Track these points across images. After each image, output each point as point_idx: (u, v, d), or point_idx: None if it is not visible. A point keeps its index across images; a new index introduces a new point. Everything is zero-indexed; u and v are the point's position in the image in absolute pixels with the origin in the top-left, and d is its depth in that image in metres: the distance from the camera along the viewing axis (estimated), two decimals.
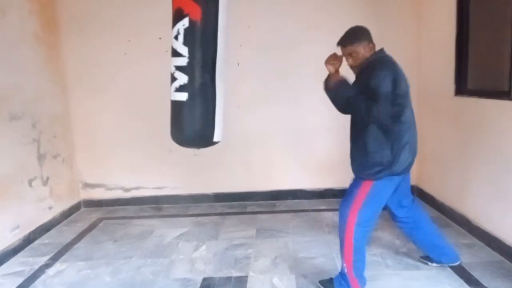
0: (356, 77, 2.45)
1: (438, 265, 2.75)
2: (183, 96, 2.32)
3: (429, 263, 2.78)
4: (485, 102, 3.02)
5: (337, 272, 2.57)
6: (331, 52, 2.46)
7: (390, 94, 2.22)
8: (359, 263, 2.44)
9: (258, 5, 4.10)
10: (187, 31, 2.23)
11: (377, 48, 2.44)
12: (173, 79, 2.36)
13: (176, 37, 2.30)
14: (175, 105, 2.39)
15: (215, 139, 2.41)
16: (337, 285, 2.49)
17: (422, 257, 2.85)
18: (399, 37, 4.13)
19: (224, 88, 2.44)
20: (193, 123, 2.36)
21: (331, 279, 2.56)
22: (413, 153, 2.44)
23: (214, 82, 2.31)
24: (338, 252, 2.98)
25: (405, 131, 2.34)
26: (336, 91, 2.41)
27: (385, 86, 2.22)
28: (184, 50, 2.26)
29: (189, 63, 2.27)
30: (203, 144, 2.49)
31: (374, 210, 2.44)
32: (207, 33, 2.24)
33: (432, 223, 2.74)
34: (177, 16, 2.28)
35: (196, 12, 2.20)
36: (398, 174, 2.38)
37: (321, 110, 4.12)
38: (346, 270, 2.43)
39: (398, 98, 2.26)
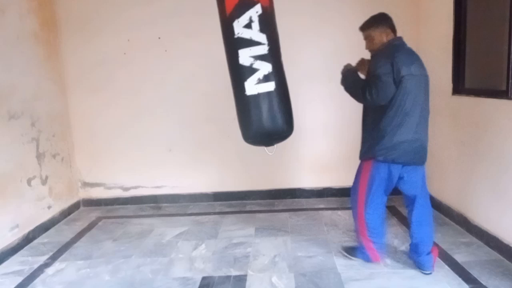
0: (370, 62, 2.60)
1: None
2: (270, 86, 2.19)
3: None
4: (483, 101, 3.03)
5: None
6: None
7: (386, 77, 2.34)
8: (374, 236, 2.69)
9: None
10: (261, 18, 2.12)
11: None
12: (252, 71, 2.20)
13: (248, 26, 2.15)
14: (258, 99, 2.22)
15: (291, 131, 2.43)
16: (359, 253, 2.80)
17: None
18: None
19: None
20: (284, 112, 2.26)
21: (354, 248, 2.87)
22: (416, 146, 2.49)
23: (283, 70, 2.26)
24: (337, 250, 3.02)
25: (402, 116, 2.41)
26: (345, 81, 2.62)
27: (380, 69, 2.36)
28: (262, 38, 2.15)
29: (270, 50, 2.16)
30: (289, 134, 2.45)
31: (376, 189, 2.60)
32: (275, 20, 2.21)
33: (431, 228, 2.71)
34: (245, 4, 2.15)
35: None
36: (394, 161, 2.48)
37: (320, 109, 4.13)
38: (363, 243, 2.72)
39: (397, 83, 2.36)
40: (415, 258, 2.73)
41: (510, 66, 2.69)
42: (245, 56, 2.18)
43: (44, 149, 3.82)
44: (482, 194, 3.09)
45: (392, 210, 3.78)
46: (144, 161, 4.33)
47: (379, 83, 2.37)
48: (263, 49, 2.14)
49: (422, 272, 2.67)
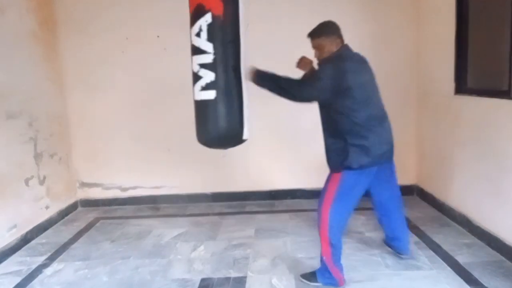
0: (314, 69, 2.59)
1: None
2: (210, 95, 2.25)
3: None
4: (485, 101, 3.01)
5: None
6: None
7: (326, 80, 2.33)
8: (336, 254, 2.54)
9: (257, 3, 4.08)
10: (210, 27, 2.18)
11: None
12: (197, 78, 2.28)
13: (198, 34, 2.22)
14: (202, 105, 2.31)
15: (244, 137, 2.38)
16: (320, 277, 2.58)
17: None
18: (399, 37, 4.12)
19: (248, 85, 2.42)
20: (222, 122, 2.29)
21: (313, 272, 2.63)
22: (383, 144, 2.47)
23: (240, 79, 2.28)
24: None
25: (363, 123, 2.37)
26: (261, 82, 2.49)
27: (321, 72, 2.39)
28: (208, 47, 2.20)
29: (214, 59, 2.21)
30: (233, 143, 2.43)
31: (347, 203, 2.50)
32: (230, 29, 2.21)
33: (401, 215, 2.83)
34: (198, 12, 2.20)
35: (218, 7, 2.17)
36: (367, 165, 2.41)
37: None
38: (326, 262, 2.52)
39: (347, 91, 2.32)
40: (395, 244, 2.87)
41: None
42: (194, 63, 2.28)
43: (42, 149, 3.79)
44: (484, 195, 3.07)
45: None
46: (142, 161, 4.31)
47: (319, 82, 2.37)
48: (209, 58, 2.20)
49: (401, 257, 2.85)
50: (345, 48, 2.50)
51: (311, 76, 2.51)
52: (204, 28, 2.19)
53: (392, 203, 2.77)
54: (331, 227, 2.46)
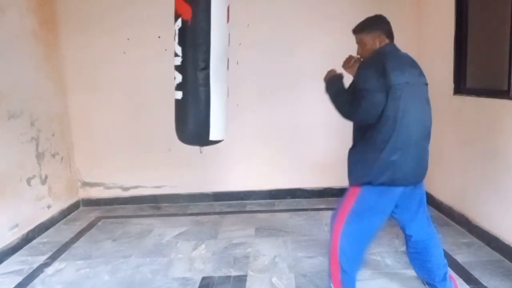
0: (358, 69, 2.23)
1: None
2: (179, 95, 2.37)
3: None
4: (484, 101, 3.02)
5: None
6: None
7: (375, 92, 1.99)
8: (348, 284, 2.16)
9: (257, 3, 4.10)
10: (180, 31, 2.29)
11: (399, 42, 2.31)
12: (174, 78, 2.41)
13: (174, 38, 2.34)
14: (175, 103, 2.43)
15: (212, 138, 2.41)
16: None
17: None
18: (398, 37, 4.04)
19: (223, 87, 2.43)
20: (187, 121, 2.40)
21: None
22: (414, 161, 2.07)
23: (209, 81, 2.32)
24: None
25: (398, 130, 2.01)
26: (329, 90, 2.26)
27: (368, 82, 2.02)
28: (178, 50, 2.31)
29: (182, 62, 2.31)
30: (201, 143, 2.49)
31: (363, 224, 2.11)
32: (199, 33, 2.27)
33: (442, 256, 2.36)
34: (175, 17, 2.33)
35: (187, 12, 2.24)
36: (391, 183, 2.05)
37: (320, 109, 4.11)
38: None
39: (392, 92, 1.99)
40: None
41: None
42: (173, 64, 2.41)
43: (44, 148, 3.81)
44: (483, 195, 3.08)
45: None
46: (143, 161, 4.32)
47: (367, 99, 2.00)
48: (178, 61, 2.32)
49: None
50: (392, 45, 2.22)
51: (354, 93, 2.09)
52: (176, 33, 2.31)
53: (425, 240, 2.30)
54: (342, 250, 2.11)
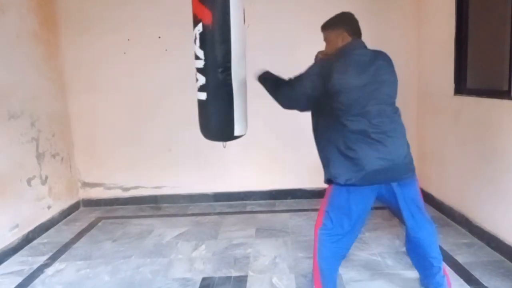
0: None
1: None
2: (203, 96, 2.45)
3: None
4: (485, 102, 3.02)
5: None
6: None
7: (304, 80, 2.10)
8: (325, 285, 2.17)
9: (257, 3, 4.09)
10: (201, 35, 2.36)
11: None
12: (196, 80, 2.49)
13: (194, 41, 2.41)
14: (199, 103, 2.52)
15: (236, 134, 2.51)
16: None
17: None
18: (399, 37, 4.12)
19: (243, 85, 2.51)
20: (213, 120, 2.50)
21: None
22: (381, 160, 2.01)
23: (231, 81, 2.40)
24: None
25: (354, 132, 2.02)
26: (263, 84, 2.39)
27: (302, 73, 2.14)
28: (200, 53, 2.39)
29: (205, 65, 2.39)
30: (226, 138, 2.61)
31: (336, 224, 2.12)
32: (220, 36, 2.34)
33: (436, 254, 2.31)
34: (194, 21, 2.40)
35: (208, 17, 2.31)
36: (356, 183, 2.03)
37: None
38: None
39: (335, 95, 2.01)
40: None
41: None
42: (195, 67, 2.50)
43: (44, 149, 3.81)
44: (483, 195, 3.08)
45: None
46: (144, 161, 4.32)
47: (294, 86, 2.10)
48: (200, 64, 2.41)
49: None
50: (351, 43, 2.17)
51: (296, 76, 2.19)
52: (197, 37, 2.38)
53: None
54: (319, 249, 2.13)
